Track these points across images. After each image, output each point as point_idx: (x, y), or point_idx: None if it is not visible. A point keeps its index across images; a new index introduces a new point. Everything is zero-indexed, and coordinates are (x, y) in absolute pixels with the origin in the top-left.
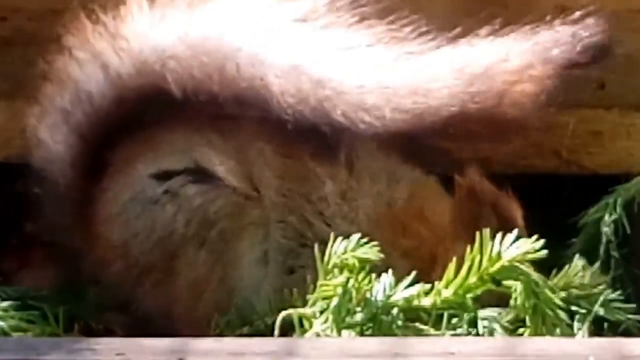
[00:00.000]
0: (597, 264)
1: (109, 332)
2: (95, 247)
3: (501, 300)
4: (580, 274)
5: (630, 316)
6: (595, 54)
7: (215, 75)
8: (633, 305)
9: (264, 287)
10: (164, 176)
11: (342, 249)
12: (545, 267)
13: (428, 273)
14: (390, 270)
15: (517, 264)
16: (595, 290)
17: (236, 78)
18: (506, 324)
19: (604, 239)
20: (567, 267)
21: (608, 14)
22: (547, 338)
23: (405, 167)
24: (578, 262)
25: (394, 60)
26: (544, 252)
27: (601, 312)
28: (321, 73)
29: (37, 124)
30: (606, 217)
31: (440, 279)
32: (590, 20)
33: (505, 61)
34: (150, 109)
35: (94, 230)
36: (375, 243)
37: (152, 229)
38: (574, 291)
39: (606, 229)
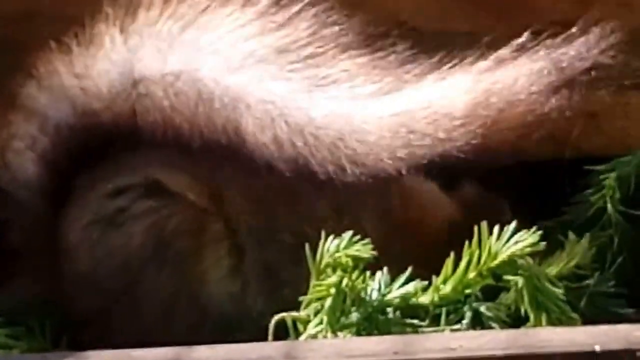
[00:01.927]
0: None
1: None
2: (66, 278)
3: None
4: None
5: (621, 311)
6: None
7: (186, 112)
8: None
9: (243, 299)
10: (117, 193)
11: (334, 247)
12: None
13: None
14: (385, 268)
15: (516, 258)
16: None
17: (209, 119)
18: (506, 319)
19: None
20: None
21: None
22: (550, 328)
23: None
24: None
25: (394, 94)
26: (543, 244)
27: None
28: (300, 118)
29: (5, 149)
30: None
31: None
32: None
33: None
34: (117, 137)
35: (61, 259)
36: (367, 241)
37: (112, 253)
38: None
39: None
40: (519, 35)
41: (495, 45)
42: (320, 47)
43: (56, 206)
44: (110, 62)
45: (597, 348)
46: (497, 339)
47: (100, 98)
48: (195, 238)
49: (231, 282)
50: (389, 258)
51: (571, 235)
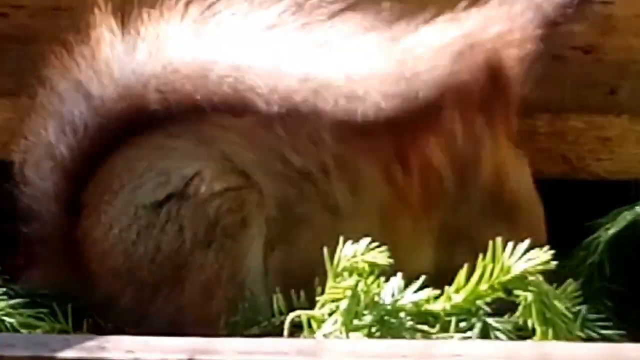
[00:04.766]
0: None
1: (118, 330)
2: (98, 282)
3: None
4: None
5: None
6: (573, 11)
7: (197, 86)
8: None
9: (269, 270)
10: (157, 204)
11: (352, 252)
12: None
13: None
14: (399, 274)
15: (528, 275)
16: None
17: (219, 86)
18: (514, 332)
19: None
20: None
21: None
22: (554, 342)
23: None
24: None
25: (373, 47)
26: (554, 263)
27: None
28: (305, 69)
29: (23, 161)
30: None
31: None
32: None
33: (485, 30)
34: (130, 135)
35: (90, 268)
36: (383, 248)
37: (157, 249)
38: None
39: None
40: None
41: None
42: (308, 16)
43: (75, 216)
44: (116, 50)
45: None
46: (501, 348)
47: (113, 85)
48: (238, 213)
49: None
50: None
51: None
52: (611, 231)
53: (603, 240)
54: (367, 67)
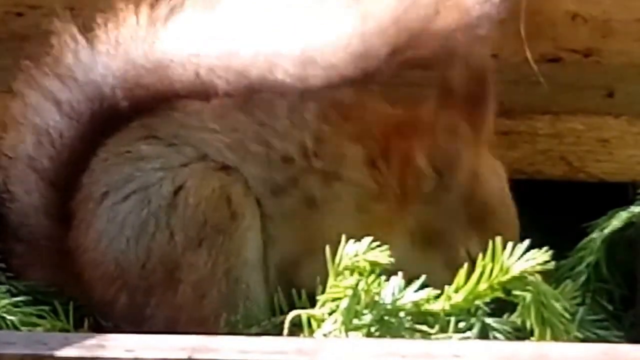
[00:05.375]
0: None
1: (119, 329)
2: (93, 290)
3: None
4: None
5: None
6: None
7: (160, 77)
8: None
9: (269, 261)
10: (145, 217)
11: (353, 251)
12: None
13: (384, 150)
14: (400, 273)
15: (526, 275)
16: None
17: (180, 75)
18: (512, 332)
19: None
20: None
21: None
22: (553, 343)
23: None
24: None
25: (328, 11)
26: (552, 264)
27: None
28: (257, 43)
29: (7, 177)
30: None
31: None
32: None
33: None
34: (103, 136)
35: (84, 276)
36: (385, 248)
37: (148, 256)
38: None
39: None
40: None
41: None
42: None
43: (65, 226)
44: (80, 54)
45: None
46: (500, 349)
47: (80, 88)
48: (225, 209)
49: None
50: None
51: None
52: (607, 231)
53: (599, 240)
54: (323, 32)
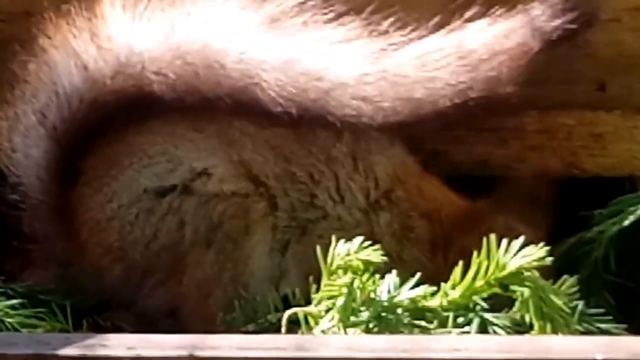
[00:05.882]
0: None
1: (117, 329)
2: (87, 253)
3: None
4: None
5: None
6: (583, 22)
7: (201, 74)
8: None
9: (279, 274)
10: (162, 191)
11: (345, 250)
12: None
13: (447, 239)
14: (394, 271)
15: (524, 270)
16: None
17: (223, 77)
18: (511, 327)
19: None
20: None
21: None
22: (554, 336)
23: None
24: None
25: (387, 50)
26: (549, 259)
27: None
28: (316, 65)
29: (11, 128)
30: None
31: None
32: None
33: (504, 41)
34: (129, 112)
35: (81, 236)
36: (377, 247)
37: (155, 236)
38: None
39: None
40: None
41: None
42: (312, 16)
43: (66, 185)
44: (117, 27)
45: (599, 357)
46: (501, 343)
47: (110, 62)
48: (242, 220)
49: (272, 257)
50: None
51: None
52: (616, 226)
53: (608, 234)
54: (381, 68)
